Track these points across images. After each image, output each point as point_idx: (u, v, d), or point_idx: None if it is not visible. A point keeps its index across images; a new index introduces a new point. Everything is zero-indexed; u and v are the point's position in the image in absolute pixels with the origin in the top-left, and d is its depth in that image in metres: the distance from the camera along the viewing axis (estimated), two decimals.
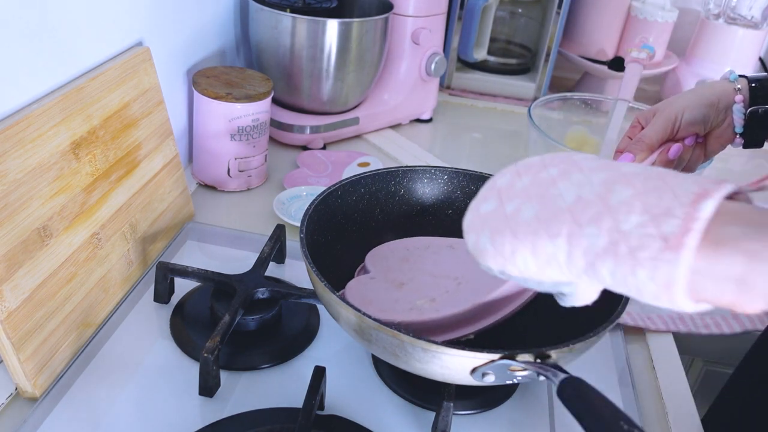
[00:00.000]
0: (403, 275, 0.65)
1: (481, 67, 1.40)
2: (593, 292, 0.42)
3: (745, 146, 0.64)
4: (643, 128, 0.66)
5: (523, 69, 1.42)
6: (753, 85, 0.61)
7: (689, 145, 0.64)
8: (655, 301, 0.37)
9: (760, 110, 0.60)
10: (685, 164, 0.65)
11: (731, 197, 0.37)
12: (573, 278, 0.40)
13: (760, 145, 0.63)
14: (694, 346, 0.95)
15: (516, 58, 1.43)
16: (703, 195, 0.35)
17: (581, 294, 0.42)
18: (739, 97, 0.61)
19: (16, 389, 0.60)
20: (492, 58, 1.38)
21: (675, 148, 0.62)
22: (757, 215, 0.35)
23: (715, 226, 0.34)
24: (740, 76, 0.64)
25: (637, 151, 0.62)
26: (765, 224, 0.34)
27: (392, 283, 0.64)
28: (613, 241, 0.37)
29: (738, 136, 0.63)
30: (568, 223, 0.39)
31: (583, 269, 0.38)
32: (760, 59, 1.48)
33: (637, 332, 0.77)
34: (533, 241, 0.40)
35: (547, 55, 1.34)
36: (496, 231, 0.42)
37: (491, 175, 0.75)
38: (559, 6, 1.29)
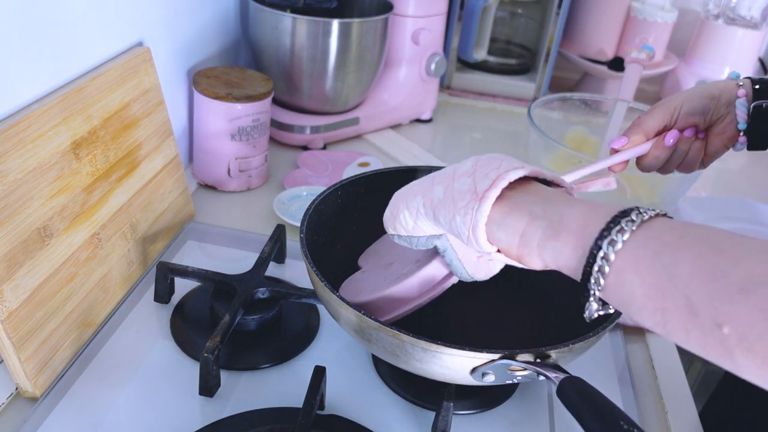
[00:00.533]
0: (391, 257, 0.66)
1: (481, 67, 1.40)
2: (466, 253, 0.53)
3: (749, 147, 0.62)
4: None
5: (523, 69, 1.42)
6: (757, 87, 0.60)
7: (688, 137, 0.63)
8: (468, 244, 0.48)
9: (764, 104, 0.59)
10: (684, 158, 0.64)
11: (550, 184, 0.49)
12: (437, 228, 0.52)
13: (764, 146, 0.62)
14: None
15: (516, 58, 1.43)
16: (516, 168, 0.47)
17: (454, 249, 0.53)
18: (741, 92, 0.60)
19: (16, 389, 0.60)
20: (492, 58, 1.38)
21: (672, 134, 0.61)
22: (550, 193, 0.46)
23: (516, 194, 0.46)
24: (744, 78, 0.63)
25: (631, 134, 0.62)
26: (550, 199, 0.45)
27: (382, 267, 0.65)
28: (447, 195, 0.49)
29: (741, 135, 0.62)
30: (427, 186, 0.52)
31: (432, 217, 0.51)
32: (760, 59, 1.48)
33: (637, 332, 0.78)
34: (407, 200, 0.53)
35: (547, 55, 1.34)
36: (393, 203, 0.56)
37: None
38: (559, 6, 1.29)
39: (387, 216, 0.56)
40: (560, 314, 0.66)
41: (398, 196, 0.55)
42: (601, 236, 0.39)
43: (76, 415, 0.58)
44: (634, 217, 0.39)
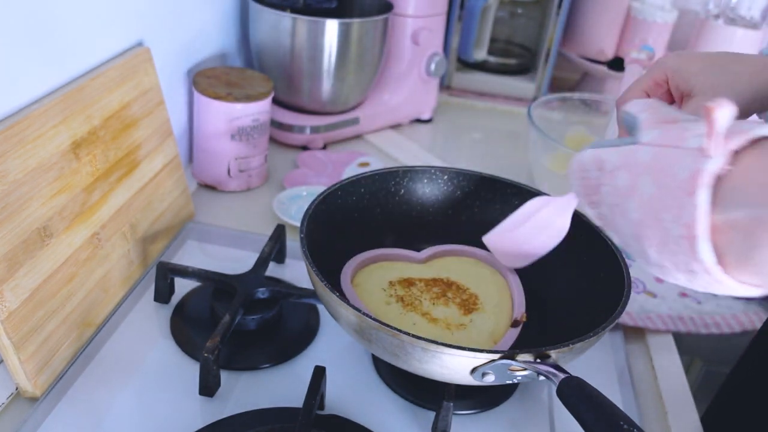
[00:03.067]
0: None
1: (481, 67, 1.40)
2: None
3: None
4: (668, 87, 0.57)
5: (523, 69, 1.42)
6: None
7: None
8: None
9: None
10: None
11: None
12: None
13: None
14: (694, 346, 0.95)
15: (516, 58, 1.43)
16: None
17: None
18: None
19: (16, 389, 0.60)
20: (492, 58, 1.38)
21: None
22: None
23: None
24: None
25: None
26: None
27: None
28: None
29: None
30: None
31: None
32: None
33: (637, 332, 0.78)
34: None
35: (547, 55, 1.34)
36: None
37: (491, 175, 0.75)
38: (559, 6, 1.29)
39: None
40: (560, 314, 0.66)
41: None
42: None
43: (76, 415, 0.58)
44: None
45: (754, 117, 0.58)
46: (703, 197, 0.34)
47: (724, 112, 0.33)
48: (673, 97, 0.57)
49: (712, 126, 0.34)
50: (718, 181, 0.34)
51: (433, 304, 0.65)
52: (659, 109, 0.43)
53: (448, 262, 0.71)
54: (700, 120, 0.38)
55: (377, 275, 0.68)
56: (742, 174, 0.33)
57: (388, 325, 0.52)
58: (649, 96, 0.58)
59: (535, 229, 0.62)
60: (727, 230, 0.33)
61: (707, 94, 0.54)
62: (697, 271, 0.36)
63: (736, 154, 0.34)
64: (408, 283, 0.67)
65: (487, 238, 0.67)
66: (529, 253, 0.64)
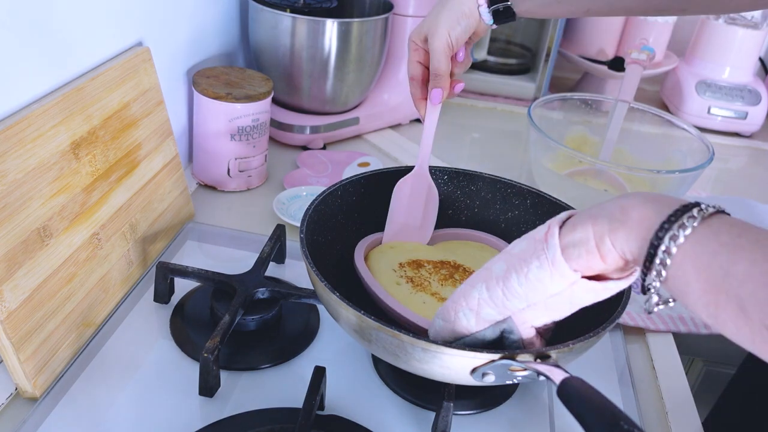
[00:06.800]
0: None
1: (481, 67, 1.39)
2: (528, 327, 0.51)
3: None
4: (425, 51, 0.70)
5: (523, 69, 1.42)
6: None
7: (461, 60, 0.72)
8: (554, 282, 0.47)
9: (500, 7, 0.70)
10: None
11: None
12: (501, 310, 0.50)
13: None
14: (694, 346, 0.95)
15: (516, 58, 1.43)
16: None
17: (521, 328, 0.51)
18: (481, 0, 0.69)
19: (16, 389, 0.60)
20: (492, 58, 1.38)
21: (459, 87, 0.72)
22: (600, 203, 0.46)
23: (569, 221, 0.47)
24: None
25: (445, 86, 0.70)
26: (602, 203, 0.45)
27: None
28: (511, 262, 0.49)
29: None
30: (483, 275, 0.51)
31: (501, 293, 0.49)
32: (760, 59, 1.48)
33: (637, 332, 0.77)
34: (464, 296, 0.52)
35: (547, 55, 1.34)
36: (444, 313, 0.54)
37: (491, 175, 0.75)
38: None
39: (438, 330, 0.54)
40: None
41: (448, 306, 0.53)
42: (662, 228, 0.40)
43: (76, 416, 0.58)
44: (695, 213, 0.40)
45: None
46: (555, 236, 0.46)
47: (554, 230, 0.47)
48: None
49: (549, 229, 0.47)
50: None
51: (442, 285, 0.66)
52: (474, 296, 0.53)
53: (455, 246, 0.73)
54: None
55: (388, 257, 0.69)
56: (570, 229, 0.46)
57: (388, 325, 0.52)
58: (425, 67, 0.72)
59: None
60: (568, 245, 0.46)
61: (431, 34, 0.69)
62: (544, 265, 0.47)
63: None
64: (417, 264, 0.69)
65: None
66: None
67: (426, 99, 0.72)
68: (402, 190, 0.72)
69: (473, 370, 0.51)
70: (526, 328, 0.51)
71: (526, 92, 1.38)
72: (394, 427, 0.61)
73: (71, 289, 0.64)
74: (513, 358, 0.50)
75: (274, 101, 1.07)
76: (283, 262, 0.80)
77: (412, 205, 0.73)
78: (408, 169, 0.74)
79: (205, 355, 0.59)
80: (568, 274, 0.46)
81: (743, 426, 0.81)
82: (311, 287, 0.62)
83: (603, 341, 0.74)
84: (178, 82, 0.93)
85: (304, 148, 1.08)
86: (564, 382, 0.48)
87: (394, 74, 1.17)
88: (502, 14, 0.71)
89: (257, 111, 0.90)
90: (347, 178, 0.71)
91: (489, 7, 0.70)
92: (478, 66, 1.39)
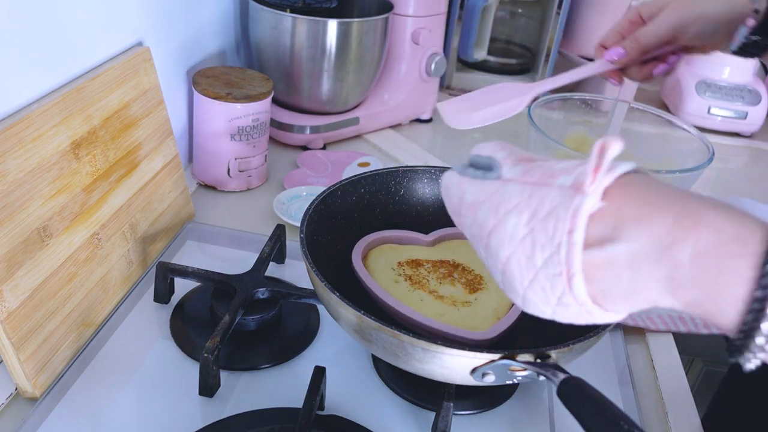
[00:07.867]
0: None
1: (481, 67, 1.39)
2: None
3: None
4: (644, 22, 0.63)
5: (523, 69, 1.42)
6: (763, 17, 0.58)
7: (671, 65, 0.65)
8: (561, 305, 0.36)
9: (761, 42, 0.58)
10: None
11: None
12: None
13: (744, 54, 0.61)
14: (694, 346, 0.95)
15: (516, 58, 1.43)
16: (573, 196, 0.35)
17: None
18: (751, 21, 0.58)
19: (16, 389, 0.60)
20: (492, 58, 1.38)
21: (661, 69, 0.64)
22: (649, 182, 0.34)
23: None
24: None
25: (630, 50, 0.64)
26: (663, 189, 0.33)
27: None
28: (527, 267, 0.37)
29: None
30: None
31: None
32: (760, 59, 1.47)
33: (637, 332, 0.77)
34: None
35: (547, 55, 1.34)
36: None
37: None
38: (559, 6, 1.29)
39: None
40: None
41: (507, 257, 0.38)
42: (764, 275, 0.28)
43: (76, 416, 0.58)
44: None
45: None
46: (580, 235, 0.33)
47: (616, 148, 0.33)
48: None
49: (601, 162, 0.34)
50: (590, 218, 0.34)
51: (440, 283, 0.66)
52: (513, 148, 0.42)
53: (455, 245, 0.73)
54: (555, 159, 0.38)
55: (386, 256, 0.69)
56: (616, 211, 0.33)
57: (388, 325, 0.52)
58: (624, 38, 0.66)
59: (491, 97, 0.68)
60: (605, 266, 0.33)
61: (672, 9, 0.59)
62: (569, 304, 0.35)
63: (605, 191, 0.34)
64: (416, 264, 0.69)
65: (442, 104, 0.70)
66: (477, 117, 0.68)
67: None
68: (507, 87, 0.71)
69: (473, 370, 0.51)
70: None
71: None
72: (394, 427, 0.61)
73: (71, 289, 0.64)
74: (513, 358, 0.50)
75: (274, 101, 1.07)
76: (283, 262, 0.80)
77: (496, 96, 0.71)
78: (408, 169, 0.74)
79: (205, 355, 0.59)
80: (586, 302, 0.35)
81: (740, 421, 0.81)
82: (311, 287, 0.62)
83: (603, 341, 0.74)
84: (178, 82, 0.93)
85: (304, 148, 1.08)
86: (564, 382, 0.48)
87: (394, 74, 1.17)
88: (751, 46, 0.59)
89: (257, 111, 0.90)
90: (347, 178, 0.71)
91: (749, 35, 0.57)
92: (478, 66, 1.39)
